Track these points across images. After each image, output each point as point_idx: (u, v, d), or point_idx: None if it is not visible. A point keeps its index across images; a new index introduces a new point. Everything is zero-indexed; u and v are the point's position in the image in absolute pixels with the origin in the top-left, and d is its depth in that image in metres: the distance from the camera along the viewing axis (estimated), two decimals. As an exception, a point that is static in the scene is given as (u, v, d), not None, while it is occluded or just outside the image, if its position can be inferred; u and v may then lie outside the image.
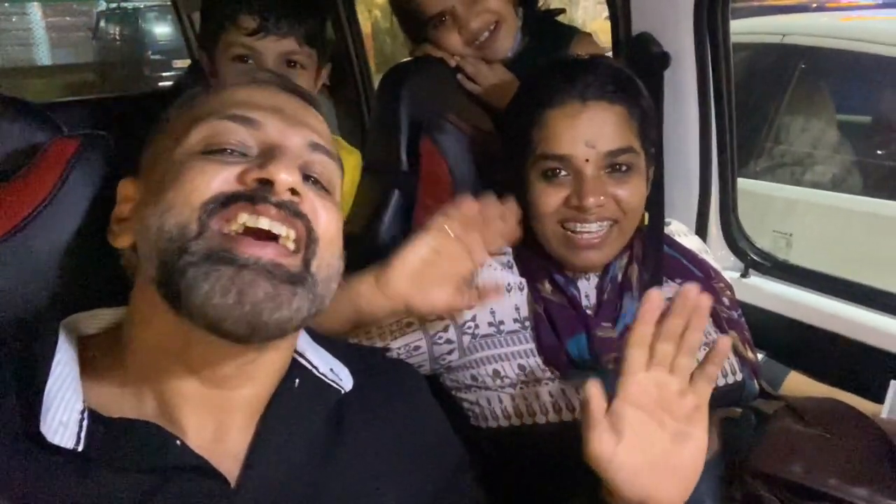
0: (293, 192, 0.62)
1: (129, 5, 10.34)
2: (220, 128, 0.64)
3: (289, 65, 1.27)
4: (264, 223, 0.60)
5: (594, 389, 0.71)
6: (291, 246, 0.61)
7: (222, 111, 0.65)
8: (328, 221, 0.65)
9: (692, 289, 0.73)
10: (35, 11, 11.15)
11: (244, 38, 1.22)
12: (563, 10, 1.53)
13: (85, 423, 0.59)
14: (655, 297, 0.74)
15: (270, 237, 0.60)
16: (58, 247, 0.76)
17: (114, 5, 10.71)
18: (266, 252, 0.59)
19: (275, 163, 0.61)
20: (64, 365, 0.63)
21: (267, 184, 0.60)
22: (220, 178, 0.61)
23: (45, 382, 0.60)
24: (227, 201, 0.60)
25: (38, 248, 0.75)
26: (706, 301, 0.73)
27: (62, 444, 0.58)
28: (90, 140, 0.79)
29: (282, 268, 0.60)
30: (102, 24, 10.64)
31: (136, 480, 0.59)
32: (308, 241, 0.62)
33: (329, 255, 0.65)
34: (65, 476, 0.58)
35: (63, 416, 0.59)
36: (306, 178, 0.65)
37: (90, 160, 0.79)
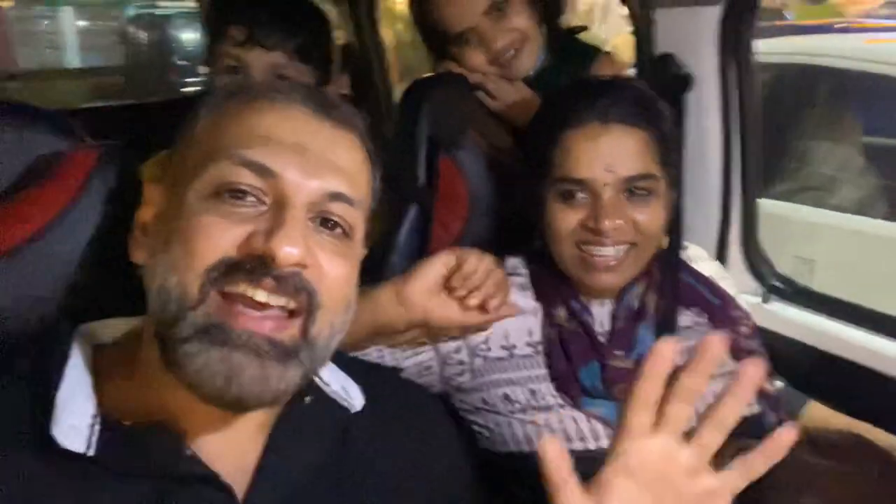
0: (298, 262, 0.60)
1: (158, 11, 10.51)
2: (234, 173, 0.61)
3: (280, 80, 1.21)
4: (261, 296, 0.59)
5: (551, 447, 0.56)
6: (293, 306, 0.60)
7: (238, 151, 0.62)
8: (335, 279, 0.63)
9: (717, 340, 0.58)
10: (66, 16, 11.37)
11: (233, 48, 1.21)
12: (585, 28, 1.52)
13: (96, 428, 0.60)
14: (665, 351, 0.58)
15: (266, 305, 0.60)
16: (76, 255, 0.76)
17: (143, 11, 10.90)
18: (262, 326, 0.59)
19: (279, 234, 0.59)
20: (77, 371, 0.63)
21: (270, 256, 0.59)
22: (225, 242, 0.60)
23: (57, 387, 0.61)
24: (228, 271, 0.59)
25: (57, 255, 0.76)
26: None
27: (73, 449, 0.58)
28: (110, 150, 0.80)
29: (275, 344, 0.59)
30: (131, 29, 10.82)
31: (144, 488, 0.60)
32: (309, 310, 0.61)
33: (332, 315, 0.63)
34: (74, 480, 0.59)
35: (75, 420, 0.60)
36: (325, 221, 0.64)
37: (110, 170, 0.79)
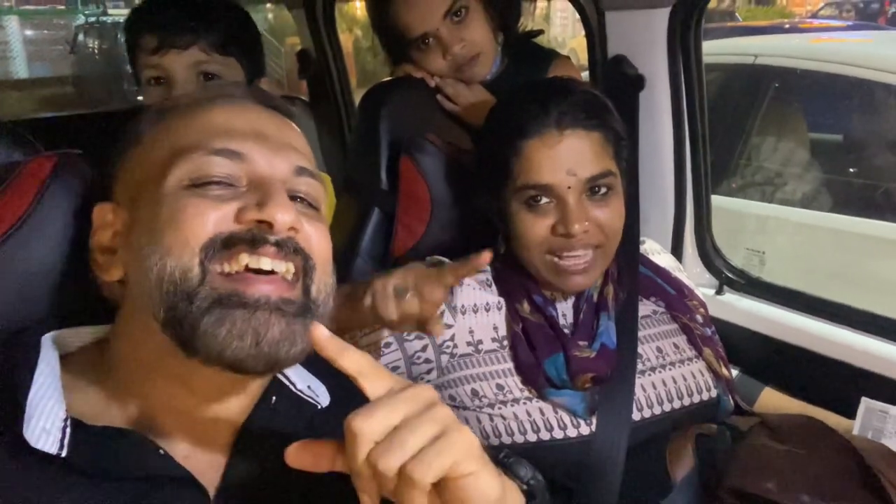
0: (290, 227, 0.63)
1: (109, 19, 10.28)
2: (206, 163, 0.63)
3: (206, 78, 1.21)
4: (266, 263, 0.61)
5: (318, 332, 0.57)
6: (290, 278, 0.63)
7: (205, 143, 0.64)
8: (320, 242, 0.66)
9: None
10: (12, 24, 11.05)
11: (149, 58, 1.20)
12: (541, 32, 1.55)
13: (68, 430, 0.60)
14: None
15: (270, 272, 0.62)
16: (34, 265, 0.75)
17: (93, 19, 10.64)
18: (272, 289, 0.61)
19: (272, 203, 0.61)
20: (46, 376, 0.63)
21: (265, 223, 0.61)
22: (215, 218, 0.61)
23: (28, 390, 0.60)
24: (226, 243, 0.61)
25: (15, 266, 0.74)
26: None
27: (45, 449, 0.58)
28: (66, 159, 0.79)
29: (289, 302, 0.62)
30: (81, 37, 10.55)
31: (117, 488, 0.60)
32: (306, 270, 0.64)
33: (324, 274, 0.67)
34: (47, 482, 0.58)
35: (46, 423, 0.59)
36: (293, 198, 0.67)
37: (66, 179, 0.78)
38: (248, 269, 0.61)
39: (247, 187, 0.64)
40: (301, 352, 0.62)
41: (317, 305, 0.65)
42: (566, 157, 1.00)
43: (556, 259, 1.02)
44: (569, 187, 1.00)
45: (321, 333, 0.54)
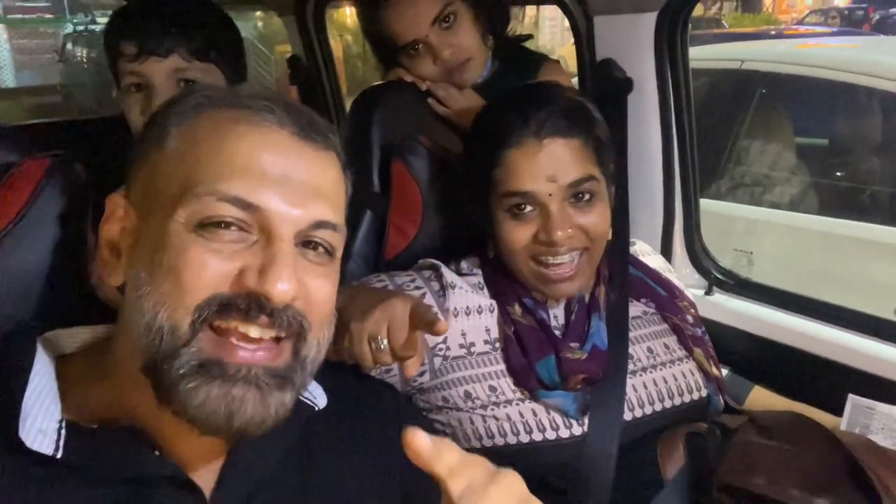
0: None
1: (97, 28, 10.26)
2: (218, 207, 0.61)
3: (186, 84, 1.19)
4: (255, 332, 0.60)
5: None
6: (283, 335, 0.62)
7: (222, 186, 0.61)
8: (321, 299, 0.64)
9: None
10: (0, 34, 11.03)
11: (128, 64, 1.18)
12: (530, 37, 1.56)
13: (63, 431, 0.60)
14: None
15: (258, 339, 0.61)
16: (28, 265, 0.76)
17: (81, 28, 10.63)
18: (256, 357, 0.60)
19: (272, 274, 0.59)
20: (42, 376, 0.63)
21: (265, 295, 0.59)
22: (216, 276, 0.59)
23: (23, 391, 0.61)
24: (221, 308, 0.59)
25: (9, 266, 0.75)
26: None
27: (41, 450, 0.58)
28: (60, 161, 0.80)
29: (271, 371, 0.61)
30: (69, 46, 10.53)
31: (112, 489, 0.60)
32: (299, 333, 0.63)
33: (319, 333, 0.65)
34: (43, 483, 0.59)
35: (42, 424, 0.60)
36: (307, 243, 0.64)
37: (60, 181, 0.79)
38: (237, 329, 0.60)
39: (257, 236, 0.61)
40: (273, 424, 0.61)
41: (304, 365, 0.64)
42: (546, 165, 1.01)
43: (542, 269, 1.03)
44: (550, 194, 1.01)
45: (421, 442, 0.51)
